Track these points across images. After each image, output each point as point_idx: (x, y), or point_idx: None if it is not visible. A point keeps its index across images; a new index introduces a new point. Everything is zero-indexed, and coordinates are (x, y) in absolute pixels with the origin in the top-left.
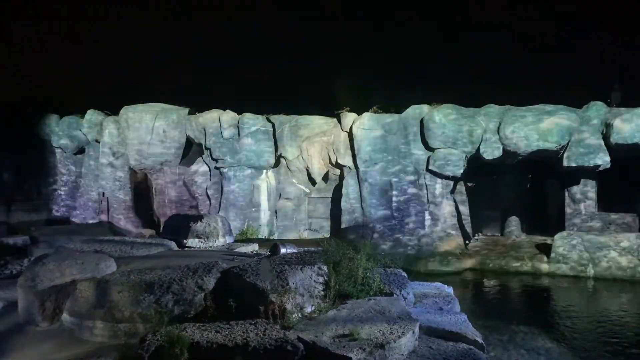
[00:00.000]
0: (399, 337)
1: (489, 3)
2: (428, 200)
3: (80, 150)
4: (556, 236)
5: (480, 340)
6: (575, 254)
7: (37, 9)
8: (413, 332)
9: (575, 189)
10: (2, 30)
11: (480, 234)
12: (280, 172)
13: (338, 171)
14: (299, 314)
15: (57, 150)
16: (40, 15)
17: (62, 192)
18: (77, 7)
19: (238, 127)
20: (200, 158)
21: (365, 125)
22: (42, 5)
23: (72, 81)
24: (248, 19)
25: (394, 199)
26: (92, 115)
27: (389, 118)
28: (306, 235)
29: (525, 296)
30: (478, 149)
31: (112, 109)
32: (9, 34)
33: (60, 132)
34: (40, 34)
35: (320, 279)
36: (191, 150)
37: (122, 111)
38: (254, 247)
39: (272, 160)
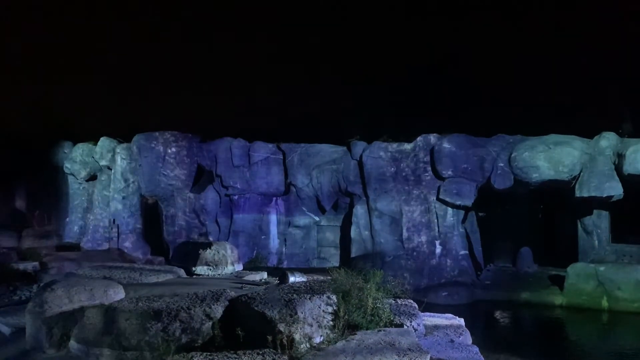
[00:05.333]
0: None
1: (500, 33)
2: (439, 229)
3: (92, 177)
4: (569, 268)
5: None
6: (589, 286)
7: (49, 36)
8: None
9: (588, 219)
10: (15, 57)
11: (492, 264)
12: (290, 200)
13: (348, 199)
14: (308, 345)
15: (69, 177)
16: (52, 42)
17: (73, 218)
18: (87, 35)
19: (249, 154)
20: (211, 185)
21: (375, 154)
22: (54, 32)
23: (85, 108)
24: (258, 47)
25: (404, 228)
26: (104, 142)
27: (399, 147)
28: (315, 263)
29: (538, 328)
30: (489, 178)
31: (124, 136)
32: (21, 61)
33: (73, 158)
34: (53, 61)
35: (329, 309)
36: (202, 177)
37: (134, 138)
38: (263, 276)
39: (282, 188)
